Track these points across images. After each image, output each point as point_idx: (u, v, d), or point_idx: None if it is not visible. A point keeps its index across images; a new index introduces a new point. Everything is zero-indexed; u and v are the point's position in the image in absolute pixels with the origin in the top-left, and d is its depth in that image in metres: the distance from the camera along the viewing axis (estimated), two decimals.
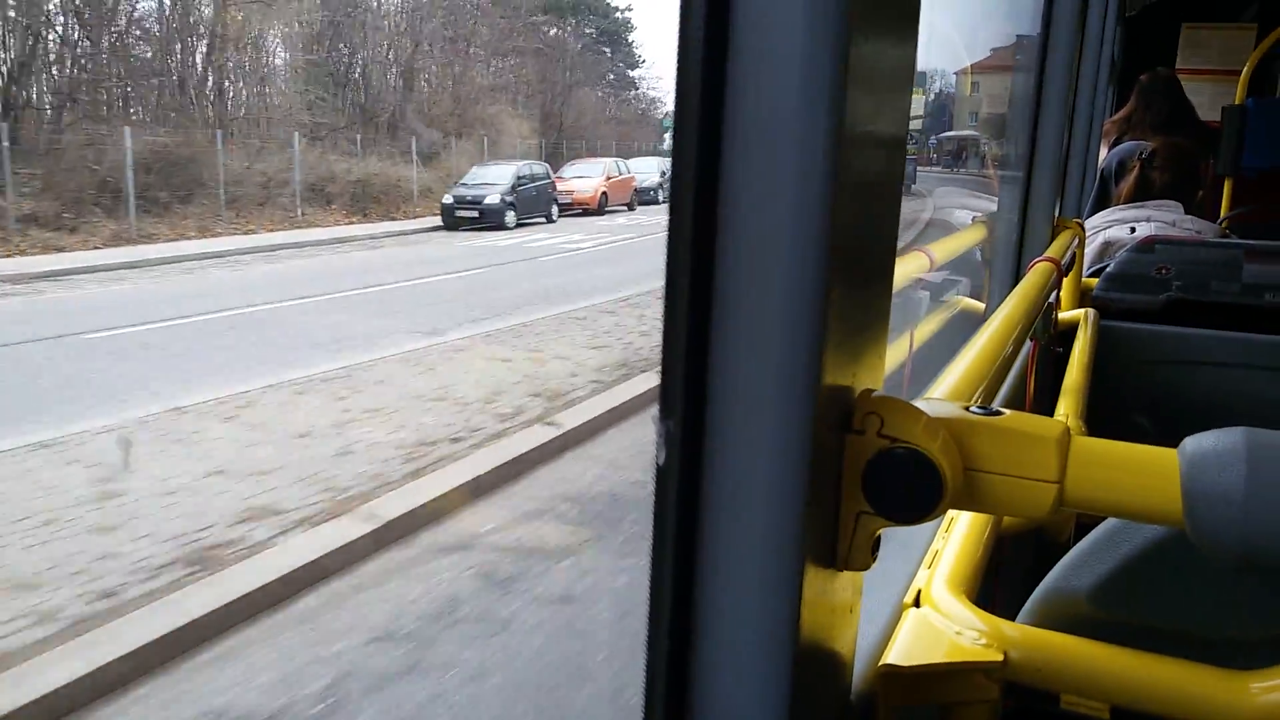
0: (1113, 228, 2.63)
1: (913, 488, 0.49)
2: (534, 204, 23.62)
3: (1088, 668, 0.66)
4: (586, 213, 25.84)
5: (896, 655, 0.66)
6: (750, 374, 0.45)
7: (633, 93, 54.67)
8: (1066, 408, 1.43)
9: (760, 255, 0.44)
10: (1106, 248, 2.59)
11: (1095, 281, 2.30)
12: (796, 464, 0.45)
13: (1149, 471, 0.52)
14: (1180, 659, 0.65)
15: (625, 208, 28.56)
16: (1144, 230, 2.52)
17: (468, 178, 23.60)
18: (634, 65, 54.90)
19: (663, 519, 0.47)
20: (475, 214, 21.73)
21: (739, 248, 0.44)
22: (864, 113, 0.45)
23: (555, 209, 24.48)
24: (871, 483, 0.50)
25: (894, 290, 0.59)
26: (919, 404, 0.52)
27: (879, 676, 0.64)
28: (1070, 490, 0.51)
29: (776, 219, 0.43)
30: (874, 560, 0.52)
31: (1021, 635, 0.68)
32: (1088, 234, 2.58)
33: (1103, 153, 3.11)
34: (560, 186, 26.03)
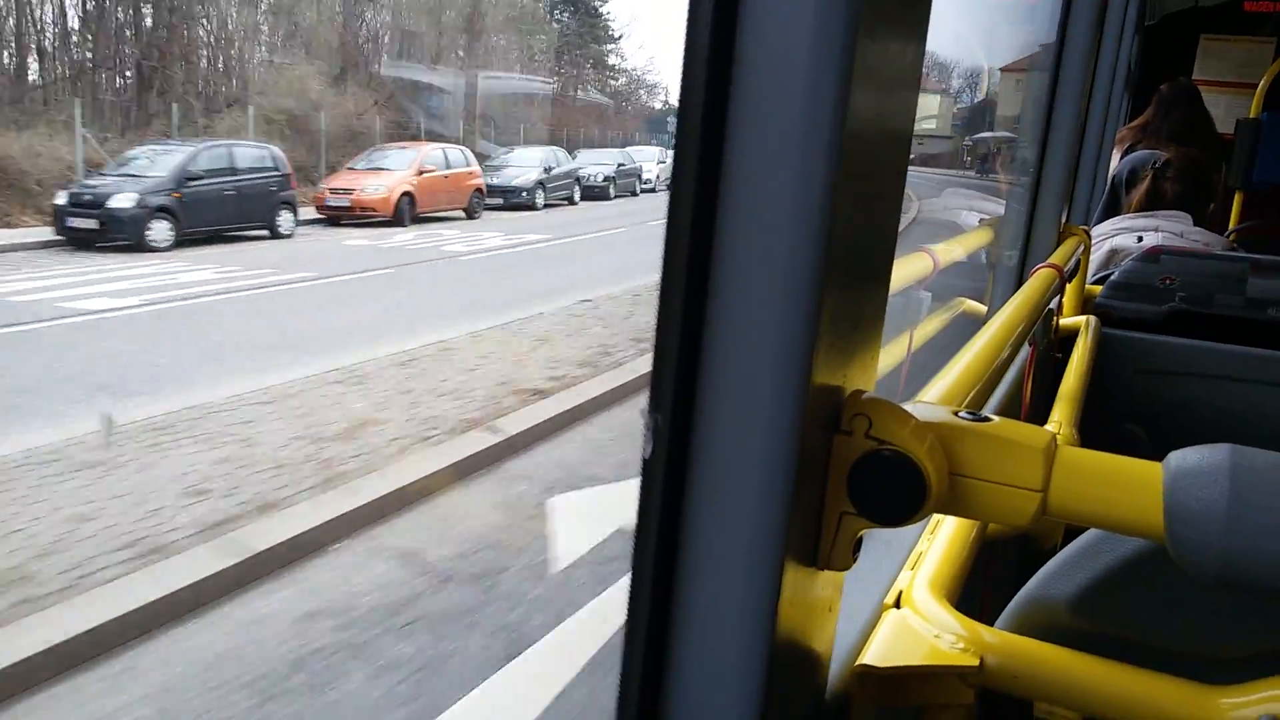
0: (1120, 236, 2.62)
1: (897, 490, 0.49)
2: (234, 209, 15.15)
3: (1063, 677, 0.66)
4: (390, 222, 18.41)
5: (874, 656, 0.66)
6: (741, 370, 0.45)
7: (596, 72, 47.08)
8: (1061, 414, 1.44)
9: (757, 251, 0.44)
10: (1113, 255, 2.59)
11: (1099, 289, 2.30)
12: (782, 461, 0.45)
13: (1133, 484, 0.52)
14: (1155, 672, 0.65)
15: (462, 213, 20.53)
16: (1151, 240, 2.51)
17: (111, 165, 15.21)
18: (600, 40, 47.31)
19: (647, 510, 0.47)
20: (94, 224, 13.59)
21: (736, 243, 0.44)
22: (869, 113, 0.45)
23: (290, 217, 16.34)
24: (856, 483, 0.50)
25: (896, 290, 0.59)
26: (909, 407, 0.52)
27: (855, 676, 0.65)
28: (1054, 499, 0.52)
29: (775, 216, 0.43)
30: (855, 561, 0.52)
31: (999, 641, 0.69)
32: (1095, 241, 2.57)
33: (1115, 160, 3.10)
34: (339, 183, 18.56)
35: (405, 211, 18.82)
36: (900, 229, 0.59)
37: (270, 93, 24.85)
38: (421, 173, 19.61)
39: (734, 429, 0.45)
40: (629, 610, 0.48)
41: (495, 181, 22.73)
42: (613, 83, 49.54)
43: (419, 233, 17.77)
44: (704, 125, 0.43)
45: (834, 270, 0.44)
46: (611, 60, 49.58)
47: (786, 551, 0.46)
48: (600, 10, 47.83)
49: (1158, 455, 0.53)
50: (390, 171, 19.26)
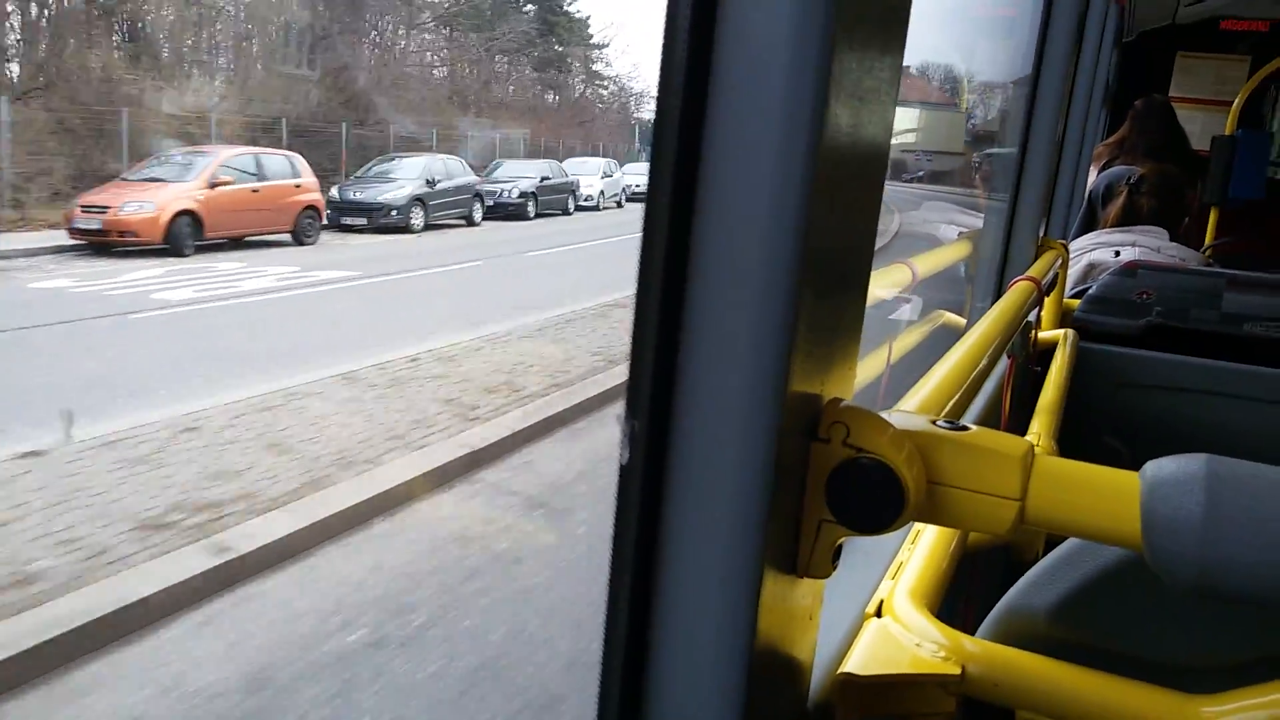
0: (1097, 250, 2.65)
1: (875, 498, 0.49)
2: None
3: (1043, 685, 0.67)
4: (165, 250, 13.91)
5: (855, 664, 0.66)
6: (718, 377, 0.45)
7: (564, 77, 42.32)
8: (1040, 427, 1.44)
9: (733, 260, 0.44)
10: (1090, 270, 2.61)
11: (1078, 303, 2.32)
12: (760, 469, 0.45)
13: (1110, 493, 0.52)
14: (1134, 681, 0.65)
15: (289, 238, 15.98)
16: (1128, 255, 2.54)
17: None
18: (567, 38, 41.83)
19: (624, 518, 0.47)
20: None
21: (712, 251, 0.44)
22: (845, 125, 0.45)
23: None
24: (835, 491, 0.50)
25: (876, 302, 0.59)
26: (887, 416, 0.52)
27: (837, 684, 0.64)
28: (1032, 508, 0.52)
29: (751, 225, 0.43)
30: (834, 569, 0.52)
31: (980, 650, 0.69)
32: (1072, 255, 2.60)
33: (1092, 175, 3.13)
34: (96, 199, 14.25)
35: (183, 237, 14.09)
36: (882, 245, 0.59)
37: (78, 82, 20.01)
38: (214, 185, 14.70)
39: (711, 435, 0.45)
40: (607, 618, 0.48)
41: (358, 197, 18.57)
42: (603, 90, 46.65)
43: (178, 268, 13.16)
44: (680, 133, 0.43)
45: (810, 279, 0.44)
46: (596, 66, 46.24)
47: (765, 558, 0.46)
48: (565, 8, 43.09)
49: (1136, 469, 0.53)
50: (168, 184, 14.47)
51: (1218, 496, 0.49)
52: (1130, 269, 2.26)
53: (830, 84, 0.42)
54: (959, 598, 1.04)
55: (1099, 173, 3.02)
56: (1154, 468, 0.51)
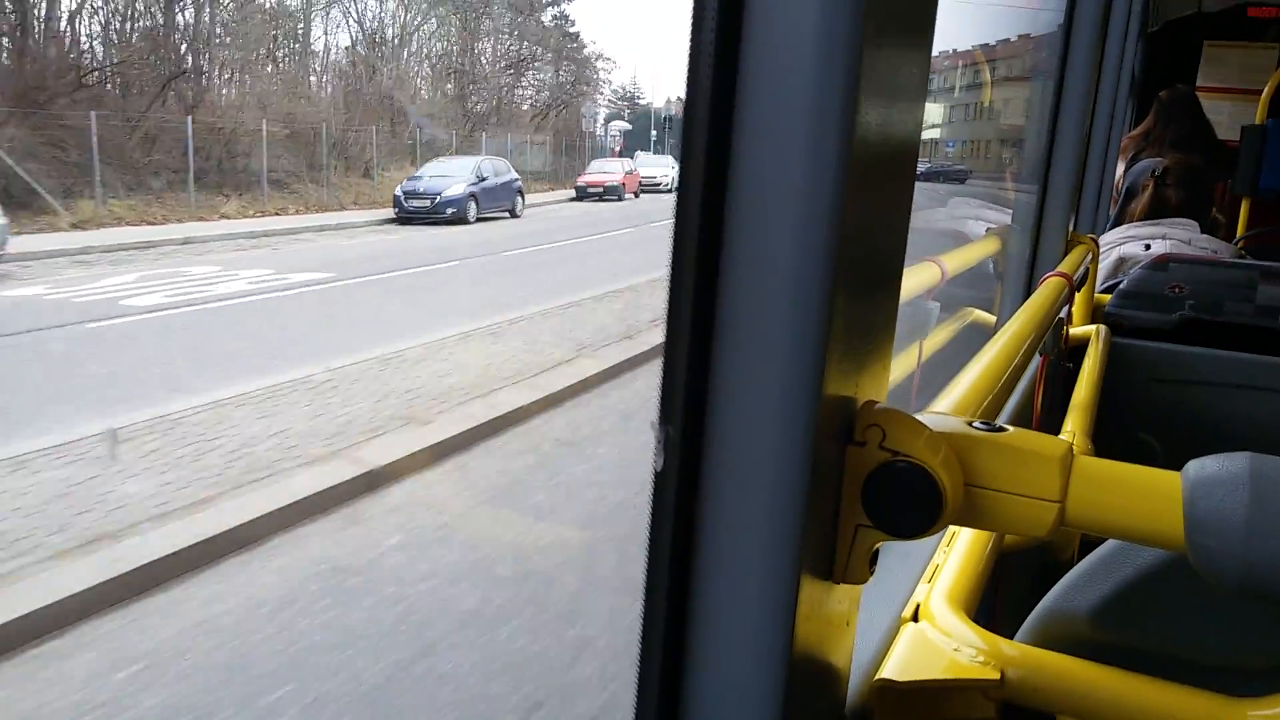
0: (1128, 244, 2.61)
1: (912, 502, 0.49)
2: None
3: (1085, 690, 0.65)
4: None
5: (893, 670, 0.65)
6: (752, 381, 0.44)
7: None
8: (1074, 424, 1.43)
9: (765, 262, 0.43)
10: (1121, 264, 2.58)
11: (1109, 298, 2.29)
12: (796, 474, 0.44)
13: (1151, 494, 0.51)
14: (1178, 684, 0.64)
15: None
16: (1159, 248, 2.50)
17: None
18: None
19: (659, 523, 0.46)
20: None
21: (744, 254, 0.44)
22: (875, 123, 0.45)
23: None
24: (871, 496, 0.49)
25: (904, 301, 0.58)
26: (922, 418, 0.51)
27: (875, 691, 0.64)
28: (1072, 510, 0.51)
29: (783, 227, 0.43)
30: (872, 574, 0.51)
31: (1020, 654, 0.68)
32: (1102, 250, 2.57)
33: (1120, 168, 3.09)
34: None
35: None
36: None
37: None
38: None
39: (746, 440, 0.45)
40: (643, 625, 0.48)
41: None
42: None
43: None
44: (710, 136, 0.43)
45: (844, 280, 0.44)
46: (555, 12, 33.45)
47: (802, 565, 0.46)
48: None
49: (1172, 464, 0.52)
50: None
51: (1262, 495, 0.48)
52: (1161, 262, 2.23)
53: (860, 82, 0.42)
54: (993, 600, 1.03)
55: (1125, 165, 2.98)
56: (1196, 467, 0.51)
